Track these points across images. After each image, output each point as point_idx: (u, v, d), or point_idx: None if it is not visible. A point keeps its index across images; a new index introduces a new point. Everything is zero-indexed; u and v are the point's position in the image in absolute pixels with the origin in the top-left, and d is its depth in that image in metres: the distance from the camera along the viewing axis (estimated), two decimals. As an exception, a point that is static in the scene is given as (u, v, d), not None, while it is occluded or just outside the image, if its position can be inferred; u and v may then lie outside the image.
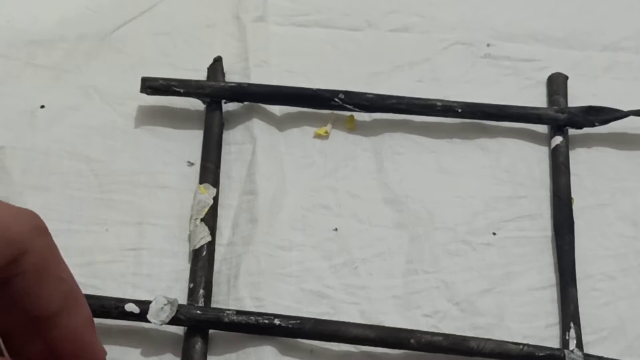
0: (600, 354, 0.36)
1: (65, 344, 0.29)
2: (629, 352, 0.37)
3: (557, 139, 0.42)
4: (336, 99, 0.42)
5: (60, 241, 0.38)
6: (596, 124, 0.43)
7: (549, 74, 0.45)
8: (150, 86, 0.41)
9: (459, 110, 0.42)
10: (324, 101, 0.42)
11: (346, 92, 0.42)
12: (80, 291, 0.30)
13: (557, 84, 0.44)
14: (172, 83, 0.41)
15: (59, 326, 0.29)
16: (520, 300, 0.38)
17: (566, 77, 0.45)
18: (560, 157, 0.42)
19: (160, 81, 0.41)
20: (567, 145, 0.42)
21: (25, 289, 0.28)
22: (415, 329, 0.36)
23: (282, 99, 0.42)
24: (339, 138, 0.43)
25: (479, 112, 0.42)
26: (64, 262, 0.29)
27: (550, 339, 0.37)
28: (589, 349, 0.37)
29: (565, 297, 0.38)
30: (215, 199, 0.40)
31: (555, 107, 0.43)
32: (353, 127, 0.43)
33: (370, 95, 0.42)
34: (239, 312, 0.36)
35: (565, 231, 0.40)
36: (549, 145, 0.43)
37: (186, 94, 0.42)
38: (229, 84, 0.42)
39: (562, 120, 0.42)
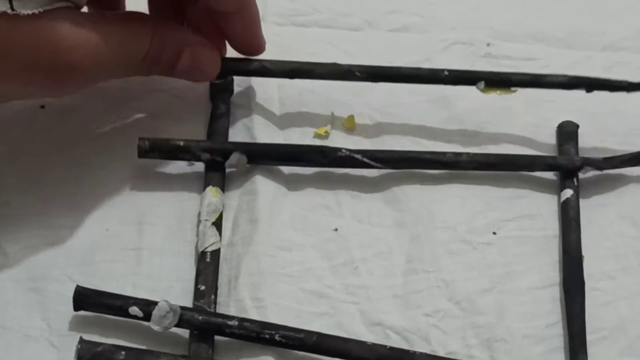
0: (600, 354, 0.37)
1: (237, 34, 0.41)
2: (629, 352, 0.37)
3: (567, 192, 0.40)
4: (343, 150, 0.40)
5: (61, 241, 0.38)
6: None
7: (549, 73, 0.45)
8: (148, 145, 0.39)
9: (469, 161, 0.41)
10: (329, 154, 0.40)
11: (351, 150, 0.40)
12: None
13: (567, 134, 0.43)
14: (171, 141, 0.40)
15: (234, 22, 0.40)
16: (520, 300, 0.38)
17: (577, 126, 0.43)
18: (570, 212, 0.40)
19: (158, 140, 0.40)
20: (577, 198, 0.41)
21: None
22: (417, 351, 0.36)
23: (287, 157, 0.41)
24: (339, 138, 0.43)
25: (492, 163, 0.41)
26: None
27: (550, 338, 0.37)
28: (589, 349, 0.37)
29: None
30: (224, 205, 0.40)
31: (573, 157, 0.41)
32: (353, 127, 0.43)
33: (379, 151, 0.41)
34: (241, 323, 0.35)
35: (575, 291, 0.38)
36: (559, 197, 0.41)
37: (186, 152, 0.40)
38: (231, 143, 0.41)
39: (580, 165, 0.41)
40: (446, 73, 0.42)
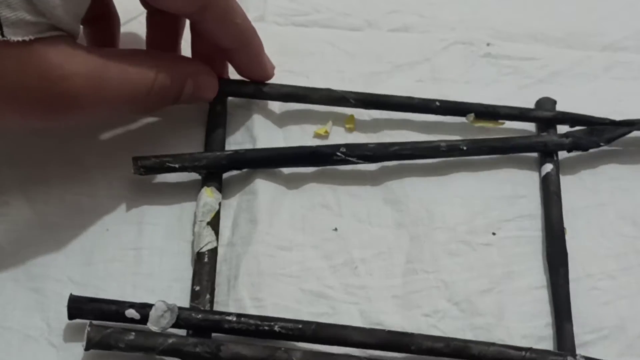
0: (600, 353, 0.37)
1: (242, 66, 0.42)
2: (629, 351, 0.37)
3: (547, 167, 0.41)
4: (338, 154, 0.40)
5: (61, 241, 0.38)
6: (601, 144, 0.42)
7: (550, 72, 0.45)
8: (143, 165, 0.39)
9: (464, 148, 0.41)
10: (326, 157, 0.40)
11: (347, 145, 0.40)
12: (252, 29, 0.40)
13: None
14: (166, 159, 0.39)
15: (238, 55, 0.41)
16: (520, 300, 0.38)
17: (554, 102, 0.44)
18: (551, 186, 0.41)
19: (153, 159, 0.39)
20: (557, 172, 0.41)
21: (211, 30, 0.39)
22: (416, 332, 0.36)
23: (282, 161, 0.41)
24: (339, 137, 0.43)
25: (485, 148, 0.41)
26: (239, 9, 0.39)
27: (549, 338, 0.37)
28: (589, 349, 0.37)
29: (561, 334, 0.37)
30: (220, 204, 0.40)
31: (559, 133, 0.42)
32: (353, 127, 0.43)
33: (372, 145, 0.40)
34: (239, 318, 0.35)
35: (559, 264, 0.39)
36: (539, 172, 0.42)
37: (182, 169, 0.40)
38: (226, 153, 0.40)
39: (568, 145, 0.41)
40: (437, 103, 0.42)
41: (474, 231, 0.40)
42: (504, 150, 0.42)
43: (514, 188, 0.42)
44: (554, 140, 0.42)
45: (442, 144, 0.41)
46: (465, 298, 0.38)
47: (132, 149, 0.40)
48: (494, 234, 0.40)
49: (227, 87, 0.42)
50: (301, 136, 0.43)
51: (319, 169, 0.42)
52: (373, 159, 0.41)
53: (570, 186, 0.42)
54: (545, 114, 0.43)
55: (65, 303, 0.35)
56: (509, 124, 0.43)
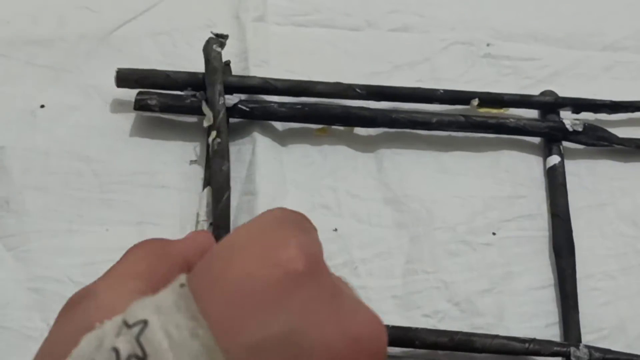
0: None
1: None
2: (629, 351, 0.37)
3: (555, 159, 0.42)
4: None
5: (61, 241, 0.38)
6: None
7: (550, 72, 0.45)
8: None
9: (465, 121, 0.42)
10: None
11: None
12: None
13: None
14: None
15: None
16: (520, 300, 0.38)
17: (556, 95, 0.44)
18: (558, 178, 0.41)
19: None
20: (563, 164, 0.42)
21: None
22: (420, 327, 0.36)
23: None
24: (339, 137, 0.43)
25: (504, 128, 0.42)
26: None
27: (549, 338, 0.37)
28: (589, 349, 0.37)
29: (567, 322, 0.37)
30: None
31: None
32: (353, 127, 0.43)
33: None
34: None
35: (566, 253, 0.39)
36: (544, 165, 0.42)
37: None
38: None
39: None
40: (441, 91, 0.43)
41: (474, 231, 0.40)
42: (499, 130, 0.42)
43: (514, 188, 0.42)
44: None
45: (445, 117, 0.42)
46: (466, 298, 0.38)
47: (132, 148, 0.40)
48: (494, 234, 0.40)
49: (233, 81, 0.42)
50: (301, 135, 0.43)
51: (323, 164, 0.42)
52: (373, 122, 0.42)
53: (571, 186, 0.42)
54: (547, 99, 0.43)
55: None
56: (512, 112, 0.44)
